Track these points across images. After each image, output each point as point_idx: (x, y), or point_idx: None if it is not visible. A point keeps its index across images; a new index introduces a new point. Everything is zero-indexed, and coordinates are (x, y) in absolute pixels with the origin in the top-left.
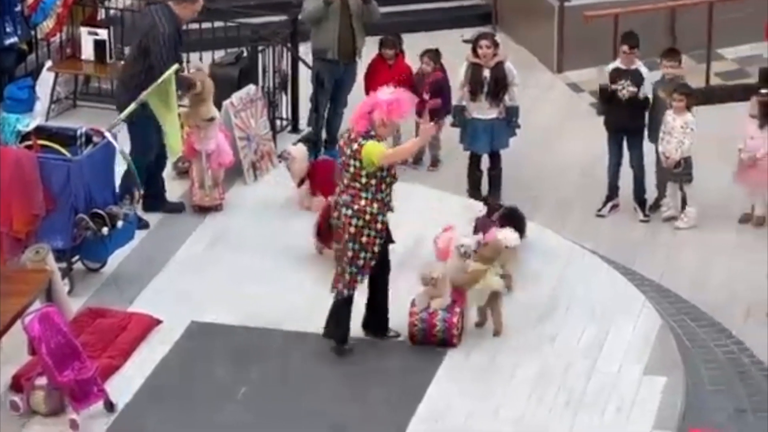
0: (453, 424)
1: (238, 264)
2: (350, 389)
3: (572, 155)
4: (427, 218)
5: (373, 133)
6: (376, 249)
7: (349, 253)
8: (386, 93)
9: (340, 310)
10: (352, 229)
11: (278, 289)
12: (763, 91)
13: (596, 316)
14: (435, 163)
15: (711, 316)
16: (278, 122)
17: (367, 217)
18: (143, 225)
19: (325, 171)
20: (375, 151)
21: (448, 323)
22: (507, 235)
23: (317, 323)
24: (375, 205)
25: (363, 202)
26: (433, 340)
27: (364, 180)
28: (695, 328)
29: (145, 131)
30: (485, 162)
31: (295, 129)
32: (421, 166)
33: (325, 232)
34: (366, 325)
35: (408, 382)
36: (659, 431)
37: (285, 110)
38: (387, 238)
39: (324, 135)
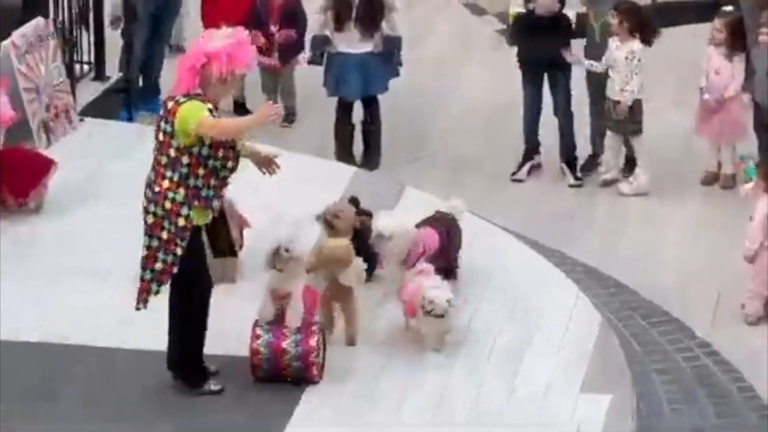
0: None
1: (35, 267)
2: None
3: (475, 100)
4: (283, 191)
5: (199, 92)
6: (178, 252)
7: (144, 252)
8: (220, 37)
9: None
10: (150, 219)
11: (89, 296)
12: (728, 8)
13: (515, 316)
14: (290, 116)
15: (667, 310)
16: (77, 67)
17: (167, 204)
18: None
19: (15, 162)
20: (193, 115)
21: (303, 347)
22: (386, 222)
23: (136, 340)
24: (181, 192)
25: (166, 184)
26: (284, 373)
27: (173, 154)
28: (647, 326)
29: None
30: (358, 112)
31: (99, 76)
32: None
33: None
34: (171, 362)
35: None
36: None
37: (86, 51)
38: (219, 249)
39: (141, 82)
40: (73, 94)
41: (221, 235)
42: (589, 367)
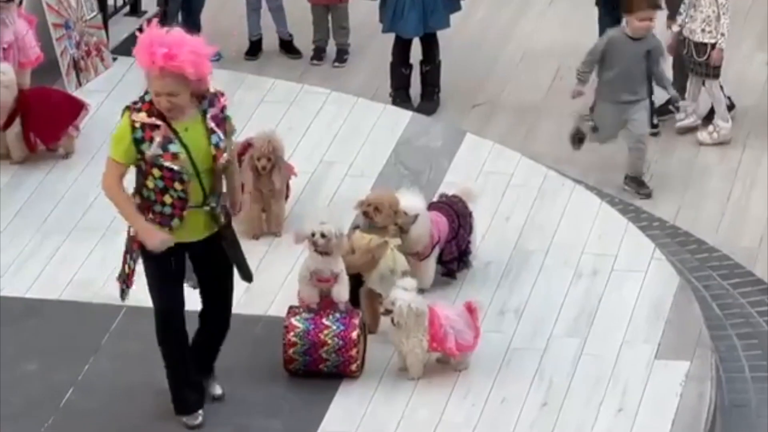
0: None
1: (48, 217)
2: None
3: (543, 38)
4: (333, 137)
5: (147, 99)
6: (126, 268)
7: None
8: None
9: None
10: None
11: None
12: None
13: (583, 274)
14: (342, 55)
15: (751, 270)
16: (111, 1)
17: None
18: None
19: (44, 104)
20: (110, 147)
21: (343, 340)
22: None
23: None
24: (138, 200)
25: (131, 189)
26: (320, 366)
27: None
28: (729, 288)
29: None
30: (416, 52)
31: (135, 10)
32: (324, 61)
33: None
34: None
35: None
36: None
37: None
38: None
39: (180, 17)
40: (106, 30)
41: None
42: (665, 332)
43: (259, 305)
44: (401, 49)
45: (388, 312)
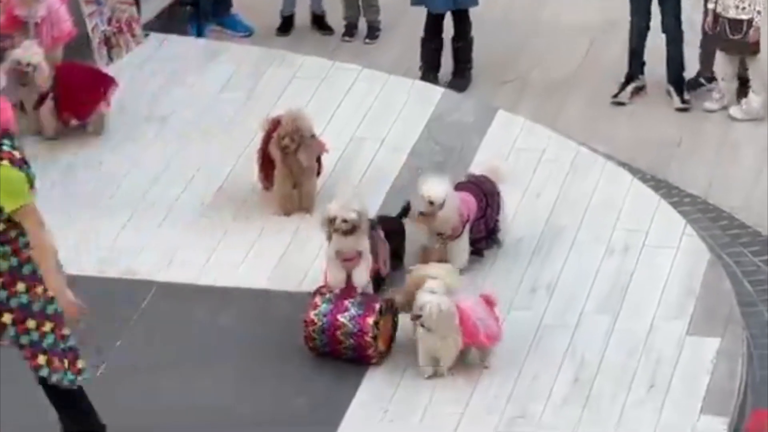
0: None
1: (95, 197)
2: None
3: (575, 15)
4: (364, 114)
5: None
6: None
7: None
8: None
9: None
10: None
11: (151, 230)
12: None
13: (615, 250)
14: (374, 32)
15: None
16: None
17: None
18: None
19: (77, 79)
20: (15, 187)
21: (356, 341)
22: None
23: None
24: None
25: None
26: (340, 349)
27: None
28: (760, 264)
29: None
30: (447, 28)
31: None
32: (356, 37)
33: (267, 164)
34: None
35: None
36: (711, 417)
37: None
38: None
39: None
40: (138, 6)
41: None
42: (696, 308)
43: (289, 282)
44: (433, 24)
45: (417, 317)
